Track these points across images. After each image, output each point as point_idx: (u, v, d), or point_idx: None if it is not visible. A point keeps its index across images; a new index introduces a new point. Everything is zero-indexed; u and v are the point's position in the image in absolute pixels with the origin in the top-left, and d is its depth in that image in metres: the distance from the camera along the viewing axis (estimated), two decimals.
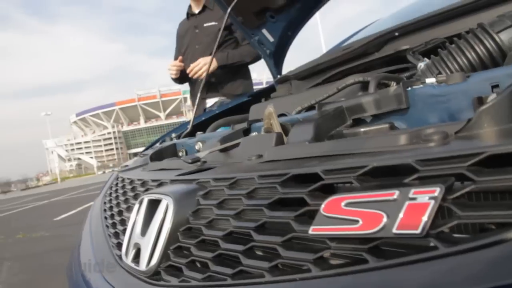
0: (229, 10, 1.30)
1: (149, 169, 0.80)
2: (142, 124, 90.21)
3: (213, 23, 2.34)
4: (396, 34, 1.06)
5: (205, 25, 2.36)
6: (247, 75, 2.54)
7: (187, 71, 2.28)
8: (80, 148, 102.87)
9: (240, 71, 2.45)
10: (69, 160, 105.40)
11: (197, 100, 1.68)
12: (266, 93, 1.85)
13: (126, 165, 1.12)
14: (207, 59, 2.17)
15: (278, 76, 1.79)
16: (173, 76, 2.41)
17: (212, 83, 2.39)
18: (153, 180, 0.70)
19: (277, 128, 0.62)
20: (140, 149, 1.86)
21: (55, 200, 12.88)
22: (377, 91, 0.57)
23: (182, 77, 2.44)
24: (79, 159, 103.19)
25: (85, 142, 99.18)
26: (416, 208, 0.29)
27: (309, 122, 0.52)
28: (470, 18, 0.87)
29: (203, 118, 1.52)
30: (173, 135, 1.31)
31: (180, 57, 2.37)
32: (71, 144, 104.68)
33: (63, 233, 5.16)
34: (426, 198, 0.29)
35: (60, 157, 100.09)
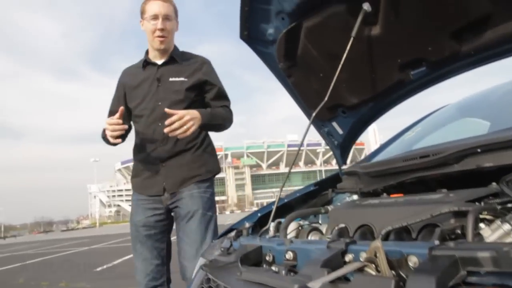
0: (313, 114, 1.38)
1: (245, 277, 0.84)
2: None
3: (181, 78, 1.94)
4: (479, 150, 1.08)
5: (170, 79, 1.94)
6: (213, 148, 2.09)
7: (167, 126, 1.70)
8: (121, 196, 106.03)
9: (206, 140, 2.03)
10: (109, 206, 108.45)
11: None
12: (332, 182, 1.89)
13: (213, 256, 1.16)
14: (193, 113, 1.78)
15: (344, 165, 1.84)
16: (114, 140, 1.83)
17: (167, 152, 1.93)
18: None
19: (385, 269, 0.64)
20: None
21: (95, 248, 13.14)
22: (495, 245, 0.59)
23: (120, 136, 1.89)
24: (118, 206, 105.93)
25: (126, 189, 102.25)
26: None
27: (429, 275, 0.55)
28: None
29: (272, 207, 1.57)
30: (247, 224, 1.35)
31: (120, 113, 1.79)
32: (113, 191, 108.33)
33: (103, 286, 5.21)
34: None
35: (101, 202, 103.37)
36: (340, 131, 1.74)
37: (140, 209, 1.95)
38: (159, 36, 1.91)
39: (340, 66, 1.30)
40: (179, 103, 1.90)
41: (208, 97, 2.02)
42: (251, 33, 1.50)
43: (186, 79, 1.95)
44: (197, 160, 1.96)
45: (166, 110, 1.73)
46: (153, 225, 1.93)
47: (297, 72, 1.56)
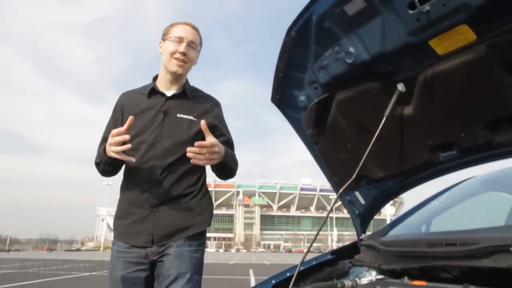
0: (340, 191, 1.37)
1: None
2: None
3: (190, 117, 1.72)
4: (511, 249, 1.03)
5: (178, 115, 1.72)
6: (211, 197, 1.84)
7: (195, 149, 1.51)
8: None
9: (204, 186, 1.79)
10: None
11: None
12: (348, 252, 1.84)
13: None
14: (221, 147, 1.60)
15: (363, 235, 1.79)
16: (121, 157, 1.56)
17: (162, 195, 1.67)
18: None
19: None
20: None
21: (97, 275, 12.93)
22: None
23: (116, 165, 1.72)
24: None
25: None
26: None
27: None
28: None
29: (287, 274, 1.53)
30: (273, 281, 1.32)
31: (129, 122, 1.55)
32: None
33: None
34: None
35: (108, 226, 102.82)
36: (362, 201, 1.71)
37: (120, 262, 1.66)
38: (178, 59, 1.72)
39: (371, 144, 1.29)
40: (183, 144, 1.63)
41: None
42: (282, 98, 1.53)
43: (195, 119, 1.72)
44: (194, 208, 1.71)
45: (202, 124, 1.54)
46: (135, 282, 1.63)
47: (324, 140, 1.56)
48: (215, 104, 1.86)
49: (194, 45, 1.77)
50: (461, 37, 1.04)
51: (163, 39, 1.78)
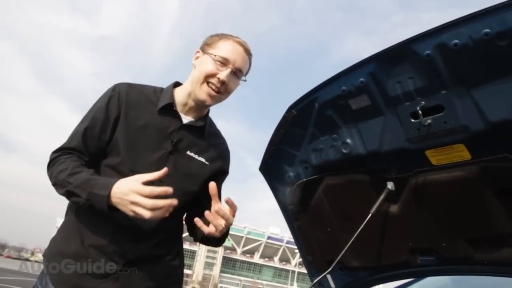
0: (316, 281, 1.32)
1: None
2: None
3: (202, 159, 1.36)
4: None
5: (189, 153, 1.34)
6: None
7: (212, 218, 1.17)
8: None
9: (181, 244, 1.47)
10: None
11: None
12: None
13: None
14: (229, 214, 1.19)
15: None
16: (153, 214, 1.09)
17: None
18: None
19: None
20: None
21: None
22: None
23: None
24: None
25: None
26: None
27: None
28: None
29: None
30: None
31: (163, 172, 1.14)
32: None
33: None
34: None
35: None
36: (333, 286, 1.66)
37: None
38: (213, 86, 1.29)
39: (353, 237, 1.26)
40: (187, 195, 1.33)
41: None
42: (271, 169, 1.51)
43: (207, 163, 1.37)
44: (172, 273, 1.37)
45: (212, 188, 1.17)
46: None
47: (305, 219, 1.54)
48: (227, 149, 1.51)
49: (240, 74, 1.35)
50: (457, 154, 1.06)
51: (203, 50, 1.35)
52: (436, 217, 1.21)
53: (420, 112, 1.03)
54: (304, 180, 1.44)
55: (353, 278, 1.59)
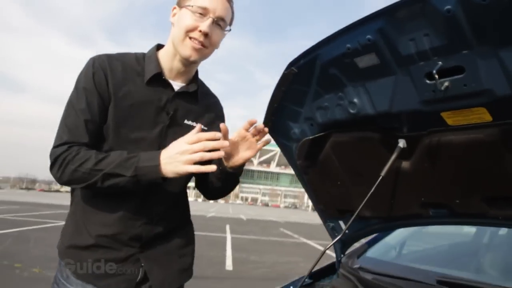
0: (325, 249, 1.31)
1: None
2: None
3: (199, 125, 1.19)
4: None
5: (186, 122, 1.28)
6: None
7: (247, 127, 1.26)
8: None
9: (188, 211, 1.42)
10: None
11: None
12: (326, 273, 1.85)
13: None
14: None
15: (342, 255, 1.79)
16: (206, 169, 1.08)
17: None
18: None
19: None
20: None
21: None
22: None
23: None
24: None
25: None
26: None
27: None
28: None
29: None
30: None
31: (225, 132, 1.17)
32: None
33: None
34: None
35: None
36: (345, 231, 1.68)
37: None
38: (196, 40, 1.18)
39: (365, 200, 1.23)
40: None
41: None
42: (274, 126, 1.43)
43: (206, 128, 1.31)
44: (187, 243, 1.36)
45: (223, 128, 1.16)
46: None
47: (314, 172, 1.49)
48: (221, 107, 1.47)
49: (223, 24, 1.23)
50: (476, 116, 0.96)
51: (179, 4, 1.23)
52: (450, 177, 1.15)
53: (436, 73, 0.90)
54: (310, 137, 1.36)
55: (364, 224, 1.60)
